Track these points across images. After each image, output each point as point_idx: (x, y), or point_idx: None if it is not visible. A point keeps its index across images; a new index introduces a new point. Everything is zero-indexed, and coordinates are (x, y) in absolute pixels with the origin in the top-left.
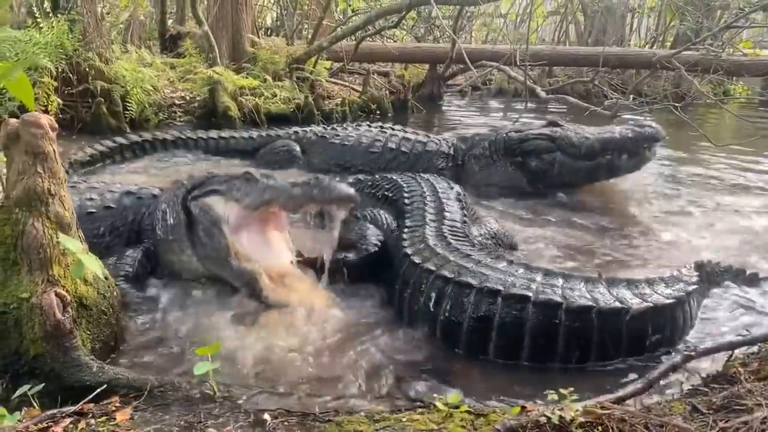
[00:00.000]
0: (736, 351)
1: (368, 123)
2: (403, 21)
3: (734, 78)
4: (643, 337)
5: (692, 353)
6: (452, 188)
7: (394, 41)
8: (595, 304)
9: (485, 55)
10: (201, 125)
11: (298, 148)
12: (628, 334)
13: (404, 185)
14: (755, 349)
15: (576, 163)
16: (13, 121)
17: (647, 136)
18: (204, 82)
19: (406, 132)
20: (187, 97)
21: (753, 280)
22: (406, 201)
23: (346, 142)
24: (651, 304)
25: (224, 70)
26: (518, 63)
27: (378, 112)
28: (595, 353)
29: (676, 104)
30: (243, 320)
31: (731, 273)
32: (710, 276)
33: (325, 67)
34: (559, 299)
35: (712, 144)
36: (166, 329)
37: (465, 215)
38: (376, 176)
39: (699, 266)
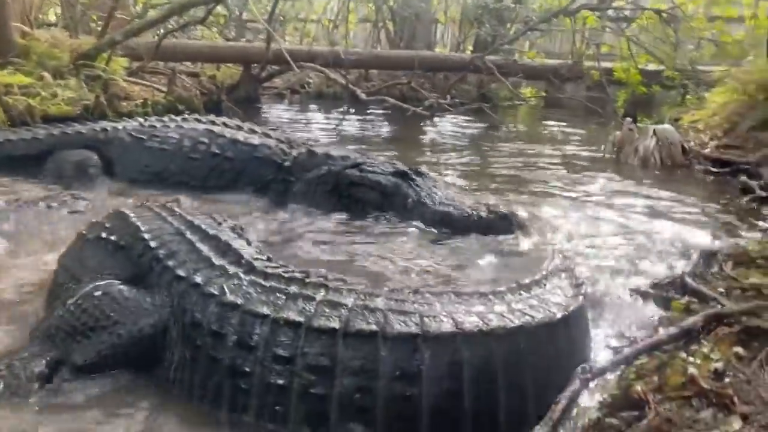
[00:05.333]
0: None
1: (197, 117)
2: (214, 21)
3: (526, 81)
4: None
5: (589, 375)
6: (221, 222)
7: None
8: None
9: (303, 56)
10: None
11: (95, 158)
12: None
13: (140, 225)
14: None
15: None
16: None
17: (494, 227)
18: None
19: (242, 129)
20: None
21: None
22: (153, 245)
23: (166, 146)
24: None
25: None
26: (343, 66)
27: (188, 113)
28: None
29: (486, 104)
30: None
31: None
32: None
33: (121, 65)
34: None
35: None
36: None
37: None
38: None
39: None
